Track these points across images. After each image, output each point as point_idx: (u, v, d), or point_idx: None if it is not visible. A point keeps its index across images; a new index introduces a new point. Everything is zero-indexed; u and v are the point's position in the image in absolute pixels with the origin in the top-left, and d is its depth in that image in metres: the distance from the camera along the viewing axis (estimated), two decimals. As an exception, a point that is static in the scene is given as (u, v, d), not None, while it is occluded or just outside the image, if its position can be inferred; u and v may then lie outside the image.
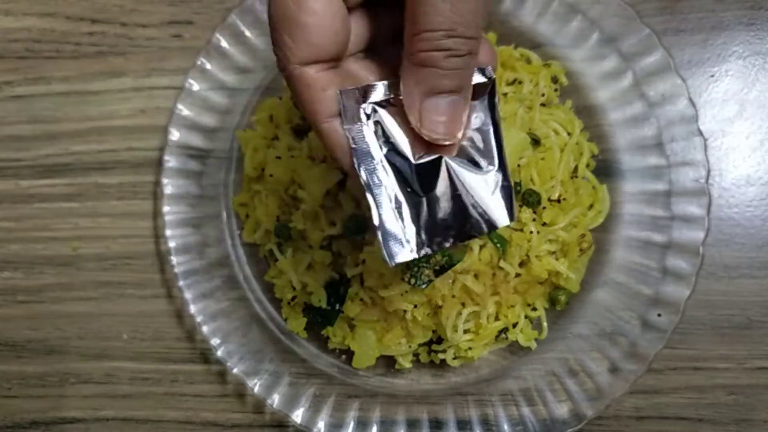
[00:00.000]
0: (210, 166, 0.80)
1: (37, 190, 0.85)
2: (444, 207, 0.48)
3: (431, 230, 0.48)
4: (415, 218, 0.48)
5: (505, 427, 0.73)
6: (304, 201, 0.71)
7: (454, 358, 0.75)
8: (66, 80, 0.86)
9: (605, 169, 0.77)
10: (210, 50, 0.78)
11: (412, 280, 0.67)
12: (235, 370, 0.75)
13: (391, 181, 0.47)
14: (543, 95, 0.76)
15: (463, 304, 0.70)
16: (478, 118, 0.48)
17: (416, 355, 0.77)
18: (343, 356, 0.78)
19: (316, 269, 0.73)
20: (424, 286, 0.67)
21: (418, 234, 0.47)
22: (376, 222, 0.46)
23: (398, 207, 0.47)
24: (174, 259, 0.77)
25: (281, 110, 0.79)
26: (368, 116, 0.46)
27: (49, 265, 0.85)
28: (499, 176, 0.48)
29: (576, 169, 0.76)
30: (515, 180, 0.70)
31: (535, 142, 0.72)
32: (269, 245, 0.76)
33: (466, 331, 0.72)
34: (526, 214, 0.71)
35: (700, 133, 0.72)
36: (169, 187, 0.78)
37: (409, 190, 0.48)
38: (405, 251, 0.47)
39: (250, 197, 0.79)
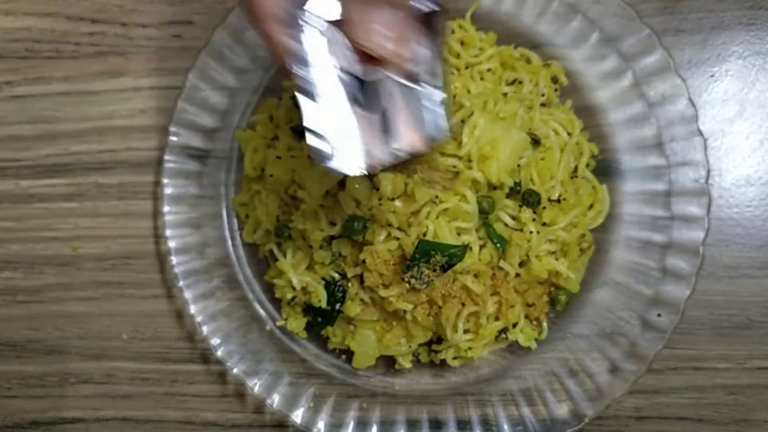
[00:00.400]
0: (210, 166, 0.80)
1: (37, 190, 0.85)
2: (382, 123, 0.50)
3: (366, 145, 0.49)
4: (352, 131, 0.49)
5: (505, 427, 0.73)
6: (304, 201, 0.71)
7: (454, 358, 0.75)
8: (66, 80, 0.86)
9: (605, 169, 0.77)
10: (210, 50, 0.78)
11: (412, 280, 0.67)
12: (235, 371, 0.75)
13: (330, 91, 0.49)
14: (543, 95, 0.76)
15: (463, 304, 0.70)
16: (423, 42, 0.50)
17: (416, 355, 0.77)
18: (343, 356, 0.78)
19: (316, 269, 0.73)
20: (424, 286, 0.67)
21: (353, 147, 0.49)
22: (306, 123, 0.48)
23: (335, 117, 0.49)
24: (174, 260, 0.77)
25: (281, 110, 0.79)
26: (317, 27, 0.48)
27: (49, 265, 0.85)
28: (436, 94, 0.50)
29: (576, 169, 0.76)
30: (515, 180, 0.70)
31: (535, 142, 0.72)
32: (269, 245, 0.76)
33: (466, 331, 0.72)
34: (526, 214, 0.71)
35: (700, 133, 0.72)
36: (169, 187, 0.78)
37: (348, 103, 0.49)
38: (337, 160, 0.49)
39: (250, 197, 0.79)
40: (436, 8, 0.49)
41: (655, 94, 0.74)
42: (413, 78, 0.50)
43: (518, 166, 0.71)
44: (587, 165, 0.76)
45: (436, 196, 0.68)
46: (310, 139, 0.48)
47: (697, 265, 0.70)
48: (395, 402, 0.76)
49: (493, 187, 0.70)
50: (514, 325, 0.75)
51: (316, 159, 0.49)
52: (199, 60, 0.78)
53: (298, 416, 0.74)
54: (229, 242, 0.80)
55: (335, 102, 0.49)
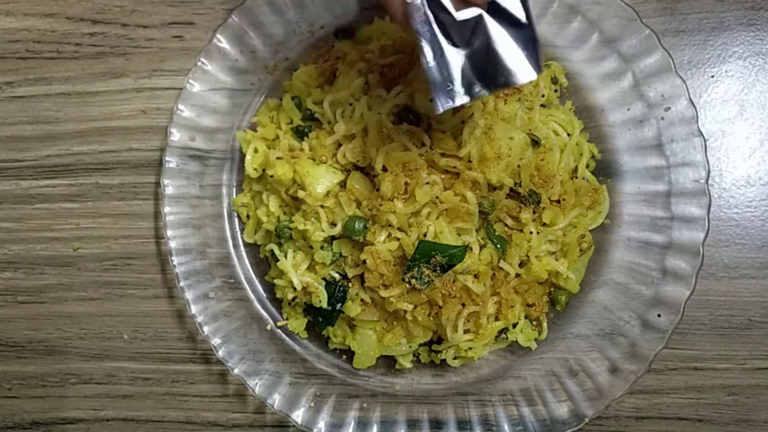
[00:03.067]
0: (211, 166, 0.80)
1: (38, 191, 0.85)
2: (482, 59, 0.55)
3: (469, 79, 0.55)
4: (457, 68, 0.55)
5: (505, 427, 0.73)
6: (305, 201, 0.71)
7: (455, 358, 0.75)
8: (67, 81, 0.86)
9: (605, 170, 0.77)
10: (211, 51, 0.78)
11: (413, 281, 0.67)
12: (236, 371, 0.75)
13: (436, 33, 0.54)
14: (543, 96, 0.76)
15: (463, 304, 0.70)
16: None
17: (416, 355, 0.77)
18: (344, 356, 0.78)
19: (316, 270, 0.73)
20: (424, 286, 0.67)
21: (459, 82, 0.55)
22: (424, 67, 0.54)
23: (442, 56, 0.54)
24: (175, 260, 0.77)
25: (282, 111, 0.79)
26: None
27: (50, 265, 0.85)
28: (529, 32, 0.54)
29: (576, 169, 0.76)
30: (515, 180, 0.71)
31: (535, 142, 0.72)
32: (270, 246, 0.76)
33: (466, 331, 0.72)
34: (526, 214, 0.71)
35: (700, 134, 0.72)
36: (169, 187, 0.78)
37: (450, 42, 0.54)
38: (448, 99, 0.55)
39: (251, 198, 0.80)
40: None
41: (655, 94, 0.74)
42: (505, 16, 0.54)
43: (518, 166, 0.71)
44: (587, 165, 0.77)
45: (437, 197, 0.68)
46: (432, 86, 0.54)
47: (697, 266, 0.70)
48: (395, 402, 0.76)
49: (493, 187, 0.70)
50: (514, 326, 0.75)
51: (436, 105, 0.54)
52: (200, 61, 0.78)
53: (298, 416, 0.74)
54: (230, 243, 0.80)
55: (437, 40, 0.54)
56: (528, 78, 0.55)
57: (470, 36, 0.54)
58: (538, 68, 0.55)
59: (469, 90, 0.55)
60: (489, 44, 0.54)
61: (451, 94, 0.55)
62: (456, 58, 0.55)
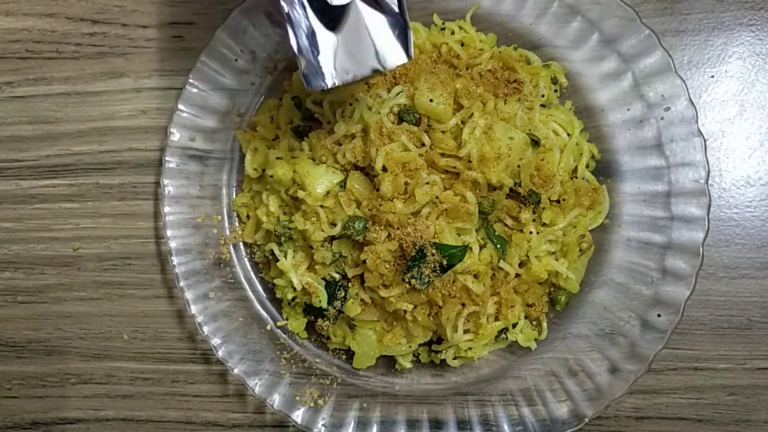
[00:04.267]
0: (210, 166, 0.80)
1: (38, 191, 0.85)
2: (354, 42, 0.58)
3: (342, 62, 0.58)
4: (329, 51, 0.58)
5: (505, 427, 0.73)
6: (305, 201, 0.71)
7: (454, 358, 0.75)
8: (67, 81, 0.86)
9: (605, 170, 0.77)
10: (210, 51, 0.78)
11: (413, 281, 0.67)
12: (235, 371, 0.75)
13: (307, 17, 0.56)
14: (543, 96, 0.76)
15: (463, 305, 0.70)
16: None
17: (416, 355, 0.77)
18: (344, 356, 0.78)
19: (316, 269, 0.73)
20: (424, 286, 0.67)
21: (332, 65, 0.58)
22: (295, 49, 0.57)
23: (314, 39, 0.57)
24: (175, 260, 0.77)
25: (282, 111, 0.79)
26: None
27: (50, 265, 0.85)
28: (399, 18, 0.57)
29: (576, 169, 0.76)
30: (515, 180, 0.71)
31: (535, 142, 0.72)
32: (270, 245, 0.76)
33: (466, 331, 0.72)
34: (526, 214, 0.71)
35: (700, 134, 0.72)
36: (169, 187, 0.78)
37: (323, 26, 0.57)
38: (320, 80, 0.58)
39: (251, 198, 0.80)
40: None
41: (655, 94, 0.74)
42: (375, 1, 0.57)
43: (518, 166, 0.71)
44: (587, 165, 0.77)
45: (437, 197, 0.68)
46: (303, 65, 0.57)
47: (697, 266, 0.70)
48: (395, 402, 0.76)
49: (493, 187, 0.70)
50: (514, 326, 0.75)
51: (306, 82, 0.57)
52: (200, 61, 0.78)
53: (298, 416, 0.74)
54: (230, 243, 0.80)
55: (309, 24, 0.57)
56: (398, 61, 0.58)
57: (342, 19, 0.57)
58: (407, 53, 0.57)
59: (342, 72, 0.58)
60: (360, 28, 0.57)
61: (323, 76, 0.57)
62: (328, 40, 0.57)
